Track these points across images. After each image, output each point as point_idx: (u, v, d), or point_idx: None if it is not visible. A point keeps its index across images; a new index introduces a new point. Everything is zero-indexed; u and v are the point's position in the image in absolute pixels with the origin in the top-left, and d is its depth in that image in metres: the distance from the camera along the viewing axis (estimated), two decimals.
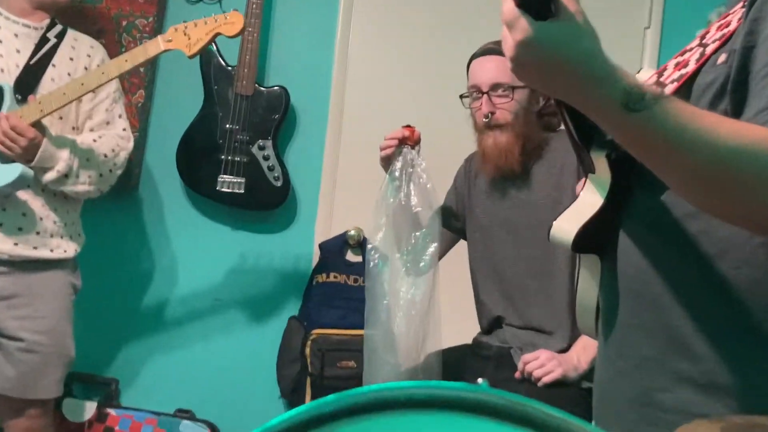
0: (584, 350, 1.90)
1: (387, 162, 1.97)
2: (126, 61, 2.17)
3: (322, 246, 3.05)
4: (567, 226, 1.09)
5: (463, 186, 2.19)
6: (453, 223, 2.20)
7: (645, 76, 1.09)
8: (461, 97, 2.04)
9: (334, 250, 3.01)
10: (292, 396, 2.93)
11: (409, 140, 1.94)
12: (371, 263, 1.93)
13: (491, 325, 2.07)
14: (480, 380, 0.74)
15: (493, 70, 1.97)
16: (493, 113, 1.96)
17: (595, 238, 1.06)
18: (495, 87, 1.97)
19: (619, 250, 1.06)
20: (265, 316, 3.08)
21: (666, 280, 1.00)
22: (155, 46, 2.17)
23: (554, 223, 1.10)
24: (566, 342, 1.95)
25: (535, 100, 2.00)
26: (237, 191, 2.90)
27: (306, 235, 3.09)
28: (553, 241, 1.10)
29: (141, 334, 3.06)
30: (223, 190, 2.90)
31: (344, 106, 3.11)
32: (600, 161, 1.05)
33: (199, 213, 3.10)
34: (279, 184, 2.95)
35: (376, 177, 2.02)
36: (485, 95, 1.97)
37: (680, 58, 1.05)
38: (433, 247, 1.92)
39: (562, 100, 0.93)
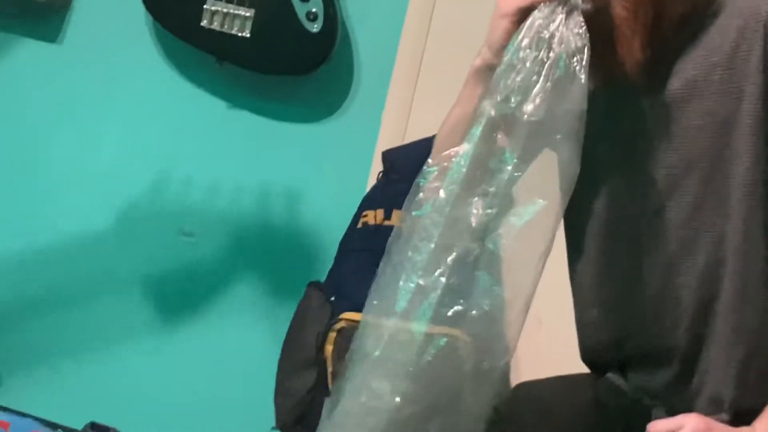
0: None
1: (521, 15, 1.28)
2: None
3: (388, 156, 2.36)
4: None
5: None
6: None
7: None
8: None
9: (412, 168, 2.34)
10: (295, 429, 2.34)
11: None
12: (424, 192, 1.29)
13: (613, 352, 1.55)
14: None
15: None
16: None
17: None
18: None
19: None
20: (264, 273, 2.47)
21: None
22: None
23: None
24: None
25: None
26: (238, 33, 2.25)
27: (361, 130, 2.41)
28: None
29: (43, 294, 2.47)
30: (213, 27, 2.26)
31: None
32: None
33: (172, 67, 2.42)
34: (316, 28, 2.28)
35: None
36: None
37: None
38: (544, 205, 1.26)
39: None
